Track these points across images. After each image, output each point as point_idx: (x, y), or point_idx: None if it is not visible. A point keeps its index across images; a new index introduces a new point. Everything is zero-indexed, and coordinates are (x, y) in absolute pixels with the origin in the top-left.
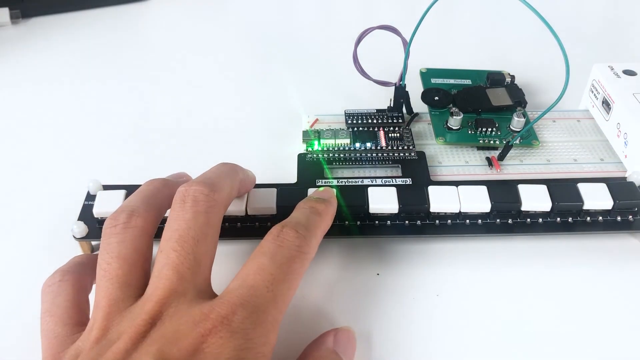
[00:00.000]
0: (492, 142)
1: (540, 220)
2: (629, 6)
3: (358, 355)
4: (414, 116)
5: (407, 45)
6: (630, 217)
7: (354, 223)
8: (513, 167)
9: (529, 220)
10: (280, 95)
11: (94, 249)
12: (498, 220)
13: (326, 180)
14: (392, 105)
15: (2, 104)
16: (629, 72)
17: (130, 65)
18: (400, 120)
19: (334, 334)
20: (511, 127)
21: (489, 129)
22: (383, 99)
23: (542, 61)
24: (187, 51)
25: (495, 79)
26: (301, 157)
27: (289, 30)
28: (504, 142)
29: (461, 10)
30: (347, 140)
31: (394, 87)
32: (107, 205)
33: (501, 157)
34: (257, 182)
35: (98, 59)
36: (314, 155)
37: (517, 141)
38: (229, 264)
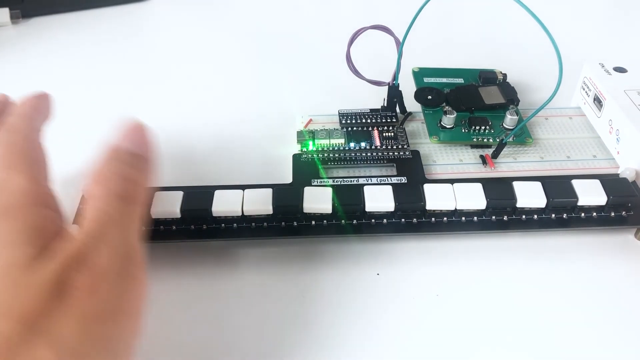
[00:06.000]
0: (485, 140)
1: (535, 216)
2: (620, 4)
3: (357, 356)
4: (407, 115)
5: (400, 44)
6: (624, 212)
7: (350, 222)
8: (507, 165)
9: (524, 216)
10: (274, 96)
11: None
12: (493, 217)
13: (321, 180)
14: (385, 104)
15: None
16: (620, 70)
17: (130, 66)
18: (394, 120)
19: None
20: (504, 125)
21: (483, 127)
22: (377, 98)
23: (534, 59)
24: (185, 51)
25: (488, 77)
26: (296, 158)
27: (282, 30)
28: (498, 140)
29: (453, 10)
30: (342, 140)
31: (387, 86)
32: None
33: (495, 155)
34: (253, 182)
35: (98, 59)
36: (309, 156)
37: (511, 139)
38: (226, 264)
